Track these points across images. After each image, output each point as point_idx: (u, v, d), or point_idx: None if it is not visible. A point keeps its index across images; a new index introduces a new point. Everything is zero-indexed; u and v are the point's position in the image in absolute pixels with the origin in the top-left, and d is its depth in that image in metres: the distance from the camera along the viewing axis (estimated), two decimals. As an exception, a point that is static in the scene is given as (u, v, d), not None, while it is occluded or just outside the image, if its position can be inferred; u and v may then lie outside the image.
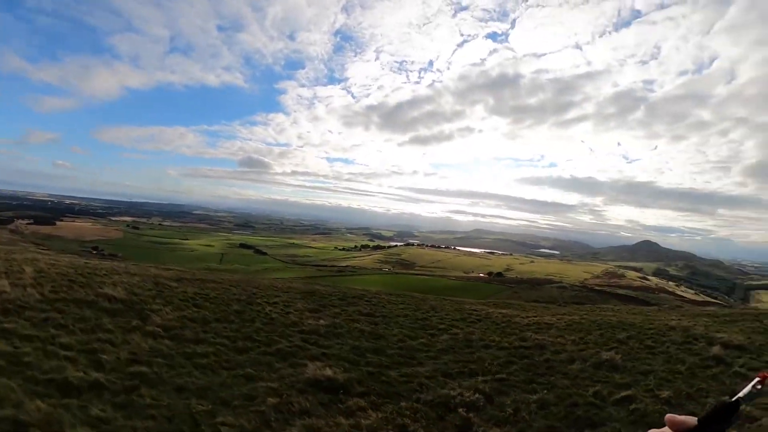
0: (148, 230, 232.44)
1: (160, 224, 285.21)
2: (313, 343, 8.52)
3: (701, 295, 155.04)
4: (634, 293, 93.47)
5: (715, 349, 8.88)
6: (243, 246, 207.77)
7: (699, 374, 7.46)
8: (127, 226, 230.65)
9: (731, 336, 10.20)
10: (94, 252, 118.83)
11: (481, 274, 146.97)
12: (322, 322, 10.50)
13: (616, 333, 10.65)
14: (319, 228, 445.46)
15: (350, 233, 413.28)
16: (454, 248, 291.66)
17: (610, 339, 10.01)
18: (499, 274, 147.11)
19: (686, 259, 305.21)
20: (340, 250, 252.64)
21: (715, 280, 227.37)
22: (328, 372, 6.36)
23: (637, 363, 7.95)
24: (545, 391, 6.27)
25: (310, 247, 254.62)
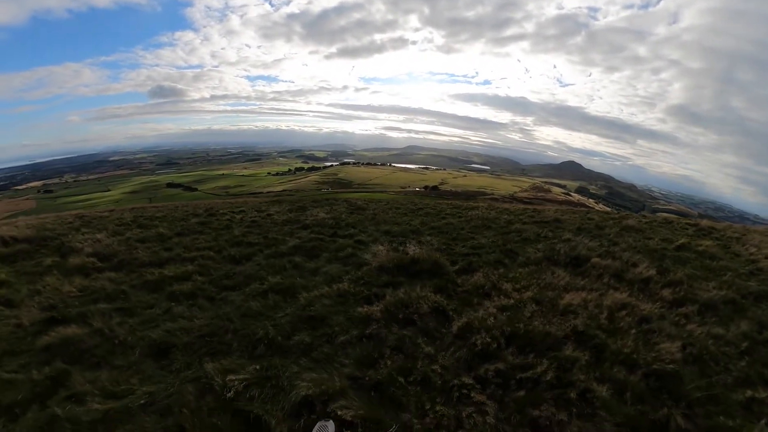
0: (63, 191, 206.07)
1: (75, 180, 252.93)
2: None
3: (616, 212, 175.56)
4: (559, 206, 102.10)
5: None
6: (171, 185, 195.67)
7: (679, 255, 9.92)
8: (38, 192, 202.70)
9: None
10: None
11: (417, 188, 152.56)
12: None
13: (604, 221, 13.31)
14: (248, 155, 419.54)
15: (282, 157, 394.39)
16: (390, 165, 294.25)
17: (601, 223, 12.60)
18: (435, 187, 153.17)
19: (605, 180, 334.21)
20: (273, 175, 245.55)
21: (629, 201, 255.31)
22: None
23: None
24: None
25: (242, 176, 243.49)
